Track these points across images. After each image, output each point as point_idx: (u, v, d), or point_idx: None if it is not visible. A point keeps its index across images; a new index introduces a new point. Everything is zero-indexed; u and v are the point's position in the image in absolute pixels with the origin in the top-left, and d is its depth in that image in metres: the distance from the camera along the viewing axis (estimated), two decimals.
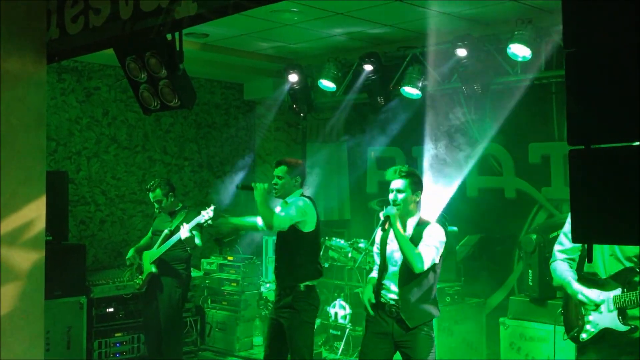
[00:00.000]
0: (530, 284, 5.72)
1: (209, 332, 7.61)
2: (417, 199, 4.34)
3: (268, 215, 4.73)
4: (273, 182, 4.93)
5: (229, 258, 7.69)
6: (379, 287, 4.36)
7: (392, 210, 4.25)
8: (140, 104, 4.13)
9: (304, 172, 5.05)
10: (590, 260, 2.00)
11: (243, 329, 7.39)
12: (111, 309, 6.89)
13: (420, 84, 6.81)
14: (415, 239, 4.23)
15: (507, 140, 6.80)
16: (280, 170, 4.92)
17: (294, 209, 4.79)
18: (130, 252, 6.28)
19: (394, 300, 4.26)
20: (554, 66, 6.20)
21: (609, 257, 3.70)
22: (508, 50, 6.02)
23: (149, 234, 6.43)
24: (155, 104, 4.03)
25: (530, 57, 5.97)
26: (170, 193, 6.20)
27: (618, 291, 3.65)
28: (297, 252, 4.90)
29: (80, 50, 4.04)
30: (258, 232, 5.83)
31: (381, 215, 4.33)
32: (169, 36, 3.74)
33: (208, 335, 7.61)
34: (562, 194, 6.37)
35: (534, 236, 5.77)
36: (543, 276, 5.59)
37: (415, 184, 4.32)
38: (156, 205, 6.21)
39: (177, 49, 3.76)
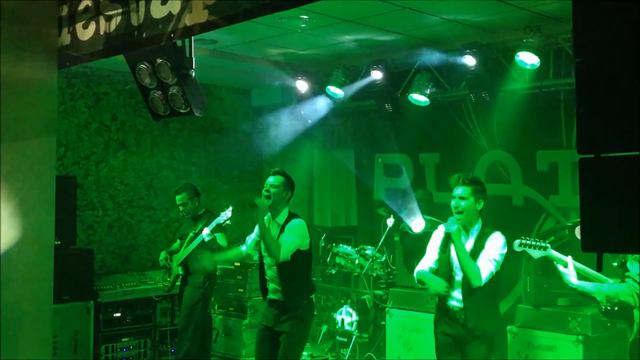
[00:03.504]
0: (528, 290, 5.73)
1: (215, 337, 7.59)
2: (480, 208, 4.37)
3: (276, 249, 4.70)
4: (265, 189, 4.89)
5: (236, 264, 7.69)
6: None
7: (453, 227, 4.25)
8: (150, 109, 4.15)
9: (293, 189, 5.05)
10: (600, 269, 2.00)
11: (249, 335, 7.36)
12: (118, 314, 6.91)
13: (428, 92, 6.81)
14: (478, 249, 4.29)
15: (515, 148, 6.78)
16: (277, 180, 4.91)
17: (294, 237, 4.79)
18: (162, 254, 6.56)
19: (458, 307, 4.37)
20: (562, 74, 6.20)
21: None
22: (516, 58, 6.00)
23: (178, 241, 6.68)
24: (165, 109, 4.05)
25: (538, 65, 5.97)
26: (195, 198, 6.54)
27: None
28: (301, 270, 4.94)
29: (91, 56, 4.06)
30: (244, 260, 5.99)
31: (440, 228, 4.37)
32: (179, 42, 3.77)
33: (214, 340, 7.59)
34: (570, 202, 6.33)
35: None
36: (540, 284, 5.61)
37: (479, 192, 4.35)
38: (181, 208, 6.53)
39: (188, 55, 3.78)
